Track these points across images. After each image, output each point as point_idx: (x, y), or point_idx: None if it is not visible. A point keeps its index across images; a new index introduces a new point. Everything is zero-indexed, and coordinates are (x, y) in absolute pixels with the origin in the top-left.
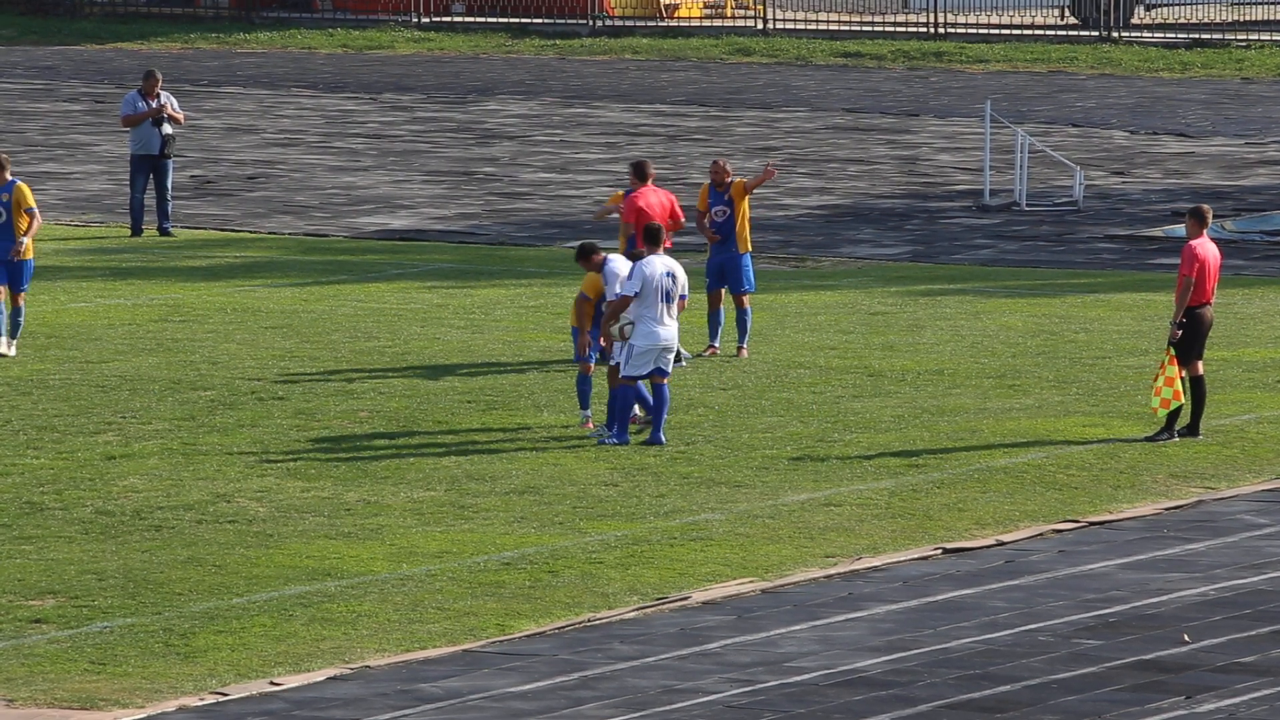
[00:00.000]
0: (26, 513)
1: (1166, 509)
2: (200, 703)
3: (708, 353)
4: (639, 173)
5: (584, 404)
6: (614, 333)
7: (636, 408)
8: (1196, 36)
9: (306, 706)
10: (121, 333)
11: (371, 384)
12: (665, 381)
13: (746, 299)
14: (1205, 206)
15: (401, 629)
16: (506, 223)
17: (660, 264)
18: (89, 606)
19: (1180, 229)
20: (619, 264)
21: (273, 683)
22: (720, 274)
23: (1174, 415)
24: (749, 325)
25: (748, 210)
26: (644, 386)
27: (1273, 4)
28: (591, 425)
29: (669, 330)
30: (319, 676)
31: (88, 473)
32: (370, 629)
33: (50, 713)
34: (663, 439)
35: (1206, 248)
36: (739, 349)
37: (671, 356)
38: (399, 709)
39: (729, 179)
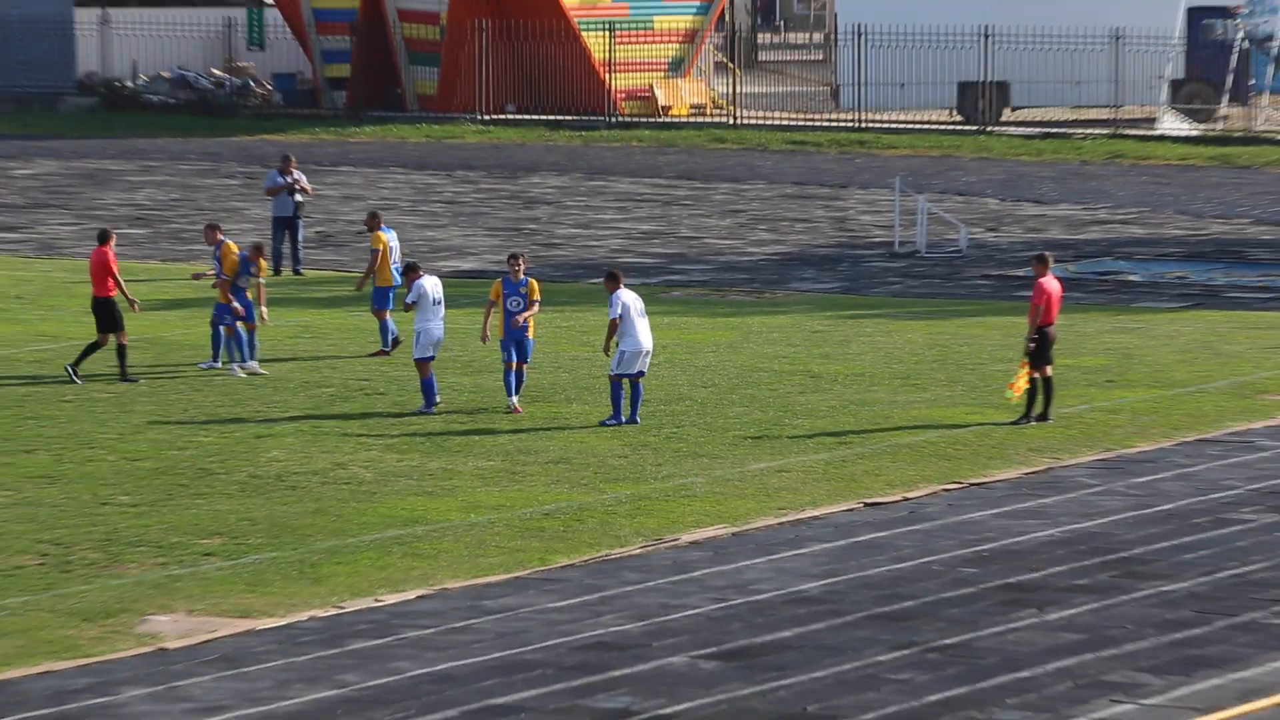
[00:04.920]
0: (199, 476)
1: (1025, 474)
2: (325, 613)
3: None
4: None
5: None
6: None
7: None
8: (1047, 130)
9: (401, 616)
10: (266, 346)
11: (448, 382)
12: (640, 380)
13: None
14: (1048, 253)
15: (469, 561)
16: (546, 265)
17: (630, 294)
18: (244, 544)
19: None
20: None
21: (377, 599)
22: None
23: (1030, 406)
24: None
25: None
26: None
27: (1101, 106)
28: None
29: (647, 342)
30: (410, 595)
31: (243, 447)
32: (447, 561)
33: (218, 620)
34: (638, 420)
35: (1051, 283)
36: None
37: (649, 360)
38: (468, 619)
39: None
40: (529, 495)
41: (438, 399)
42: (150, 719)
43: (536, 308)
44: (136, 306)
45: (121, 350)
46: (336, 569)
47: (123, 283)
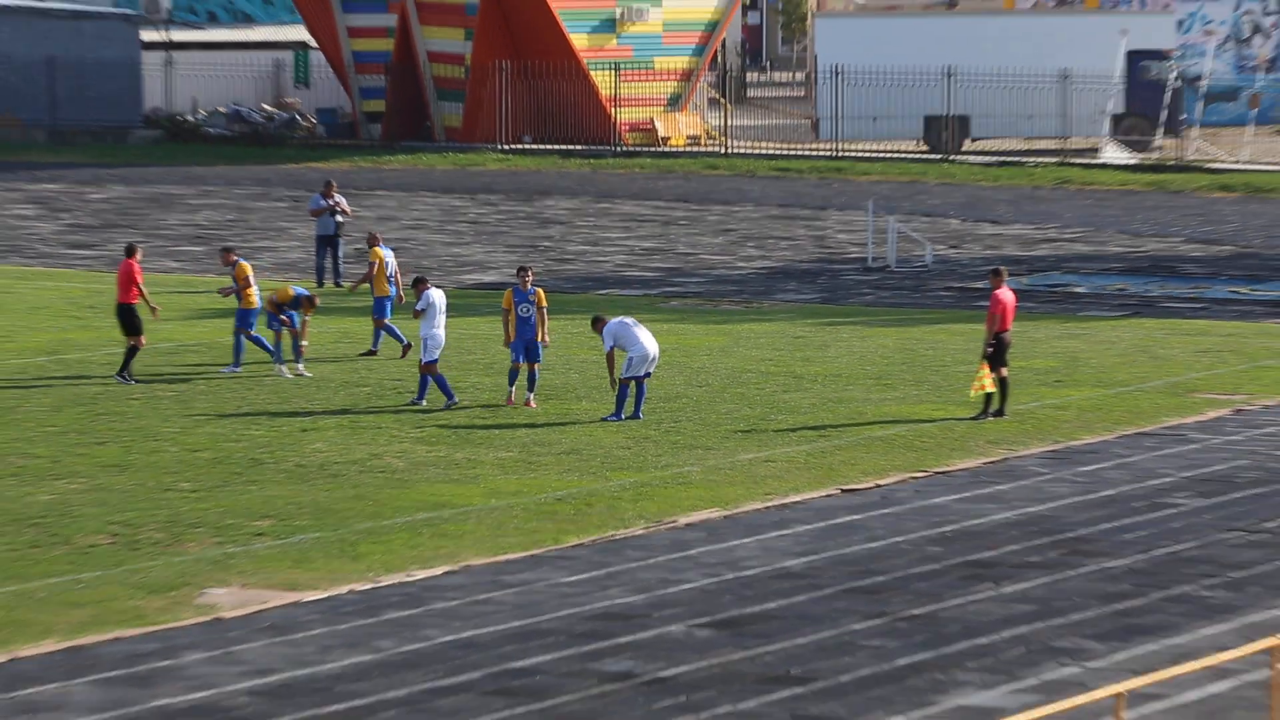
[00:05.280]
0: (251, 465)
1: (984, 463)
2: (362, 587)
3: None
4: None
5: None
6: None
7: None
8: (1003, 159)
9: (431, 589)
10: (310, 350)
11: (471, 382)
12: (645, 381)
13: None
14: (1003, 268)
15: (491, 540)
16: (559, 278)
17: (617, 320)
18: (291, 525)
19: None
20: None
21: (408, 574)
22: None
23: (988, 403)
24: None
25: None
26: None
27: (1051, 138)
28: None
29: (653, 348)
30: (438, 570)
31: (290, 439)
32: (470, 540)
33: (268, 592)
34: (641, 415)
35: (1006, 294)
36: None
37: (654, 365)
38: (490, 592)
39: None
40: (543, 482)
41: (424, 400)
42: (209, 680)
43: (546, 316)
44: (157, 313)
45: (132, 351)
46: (373, 547)
47: (145, 292)
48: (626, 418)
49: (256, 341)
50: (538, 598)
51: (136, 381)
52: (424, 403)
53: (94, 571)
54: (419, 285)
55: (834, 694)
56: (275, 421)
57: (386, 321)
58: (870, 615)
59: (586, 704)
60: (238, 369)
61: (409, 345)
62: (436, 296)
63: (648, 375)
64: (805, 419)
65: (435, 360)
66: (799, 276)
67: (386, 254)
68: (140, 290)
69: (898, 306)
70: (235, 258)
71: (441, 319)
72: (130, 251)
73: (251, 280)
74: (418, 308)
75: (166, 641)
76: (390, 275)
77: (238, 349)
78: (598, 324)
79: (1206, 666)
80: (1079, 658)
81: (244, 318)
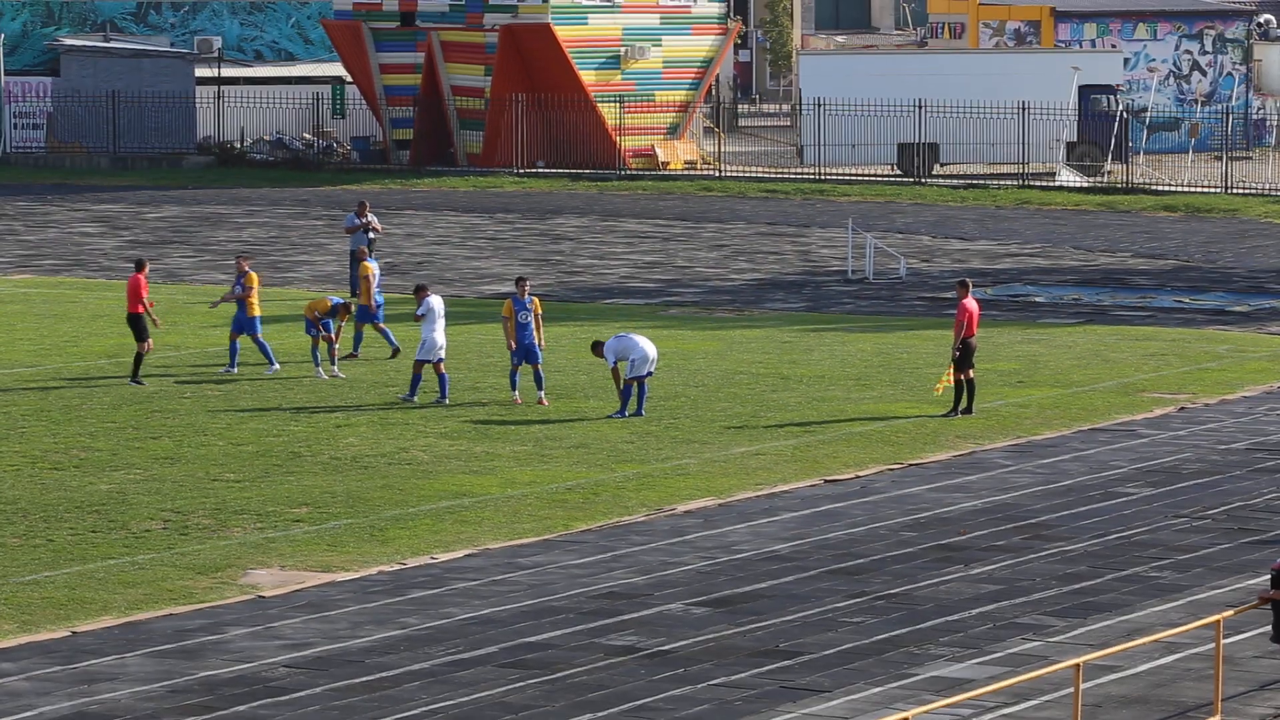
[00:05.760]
0: (290, 458)
1: (953, 456)
2: (390, 568)
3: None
4: None
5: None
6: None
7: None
8: (969, 181)
9: (452, 571)
10: (342, 354)
11: (490, 381)
12: (647, 381)
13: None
14: (968, 280)
15: (507, 527)
16: (569, 289)
17: (614, 338)
18: (326, 513)
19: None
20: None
21: (432, 557)
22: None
23: (957, 402)
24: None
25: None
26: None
27: (1011, 163)
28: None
29: (652, 351)
30: (459, 554)
31: (325, 434)
32: (488, 526)
33: (305, 573)
34: (643, 413)
35: (971, 304)
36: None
37: (654, 366)
38: (506, 573)
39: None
40: (555, 473)
41: (415, 396)
42: (252, 652)
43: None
44: (158, 324)
45: (139, 358)
46: (400, 533)
47: (149, 304)
48: (630, 415)
49: (259, 346)
50: (549, 578)
51: (142, 383)
52: (415, 399)
53: (148, 554)
54: (419, 292)
55: (819, 666)
56: (312, 418)
57: (382, 325)
58: (851, 594)
59: (594, 675)
60: (234, 370)
61: (398, 349)
62: (435, 302)
63: (649, 375)
64: (792, 416)
65: (428, 360)
66: (786, 287)
67: (374, 266)
68: (143, 302)
69: (875, 314)
70: (247, 266)
71: (440, 323)
72: (139, 266)
73: (255, 289)
74: (418, 313)
75: (213, 618)
76: (377, 288)
77: (233, 351)
78: (597, 348)
79: (1157, 640)
80: (1041, 633)
81: (245, 323)
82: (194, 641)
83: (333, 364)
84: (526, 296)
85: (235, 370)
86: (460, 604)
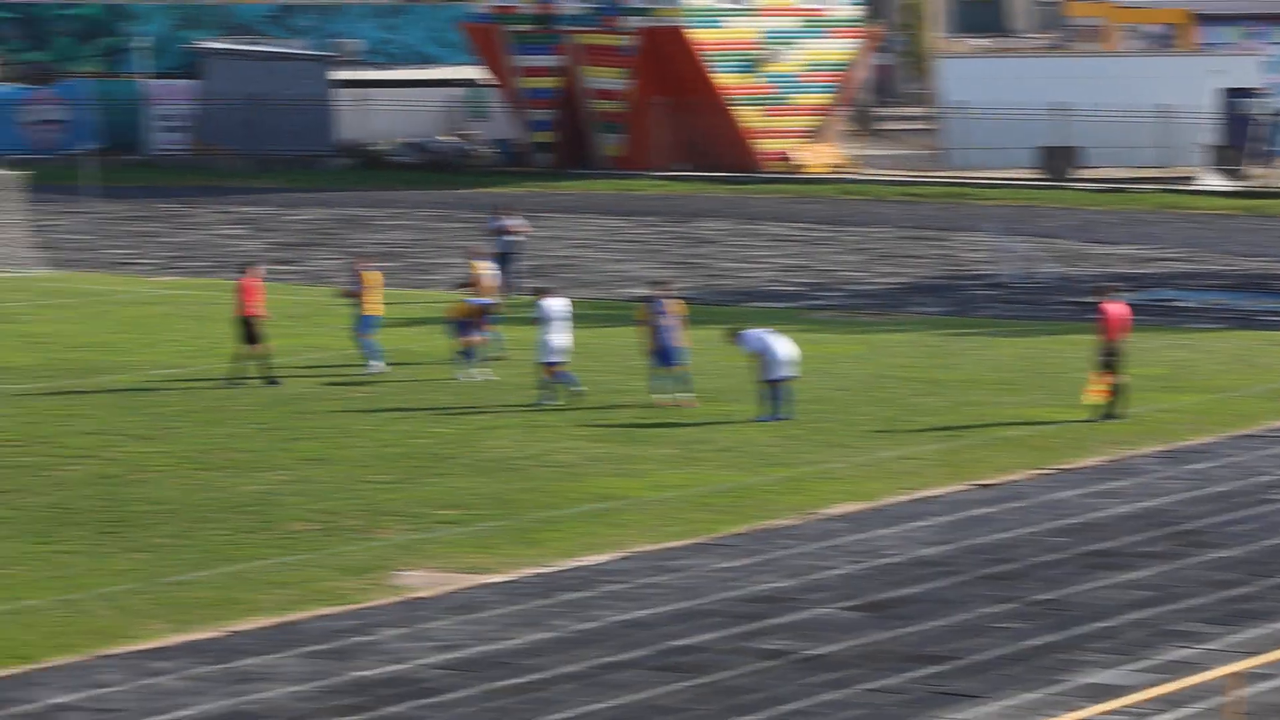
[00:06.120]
0: (437, 460)
1: (1103, 461)
2: (540, 571)
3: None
4: None
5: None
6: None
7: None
8: (1111, 185)
9: (602, 573)
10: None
11: (635, 384)
12: (787, 384)
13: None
14: (1113, 284)
15: (655, 530)
16: (710, 291)
17: (755, 331)
18: (475, 514)
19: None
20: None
21: (581, 560)
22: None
23: (1105, 406)
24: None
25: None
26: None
27: (1154, 167)
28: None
29: (790, 353)
30: (607, 557)
31: (472, 437)
32: (637, 529)
33: (455, 575)
34: (788, 417)
35: (1116, 308)
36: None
37: (793, 369)
38: (655, 576)
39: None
40: (703, 476)
41: (577, 386)
42: (403, 654)
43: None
44: (265, 318)
45: (264, 360)
46: (549, 535)
47: (260, 305)
48: (775, 419)
49: (366, 346)
50: (699, 581)
51: (238, 384)
52: (550, 403)
53: (298, 555)
54: (539, 294)
55: (970, 672)
56: (459, 420)
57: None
58: (1001, 600)
59: (745, 679)
60: (378, 366)
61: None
62: (555, 305)
63: (789, 378)
64: (938, 420)
65: (553, 363)
66: (929, 291)
67: (489, 267)
68: (254, 304)
69: (1019, 319)
70: (364, 266)
71: (560, 325)
72: (248, 268)
73: (372, 289)
74: (536, 316)
75: (364, 619)
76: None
77: (368, 350)
78: (734, 335)
79: None
80: (1194, 640)
81: (363, 322)
82: (345, 642)
83: (480, 365)
84: (666, 300)
85: (381, 368)
86: (610, 606)
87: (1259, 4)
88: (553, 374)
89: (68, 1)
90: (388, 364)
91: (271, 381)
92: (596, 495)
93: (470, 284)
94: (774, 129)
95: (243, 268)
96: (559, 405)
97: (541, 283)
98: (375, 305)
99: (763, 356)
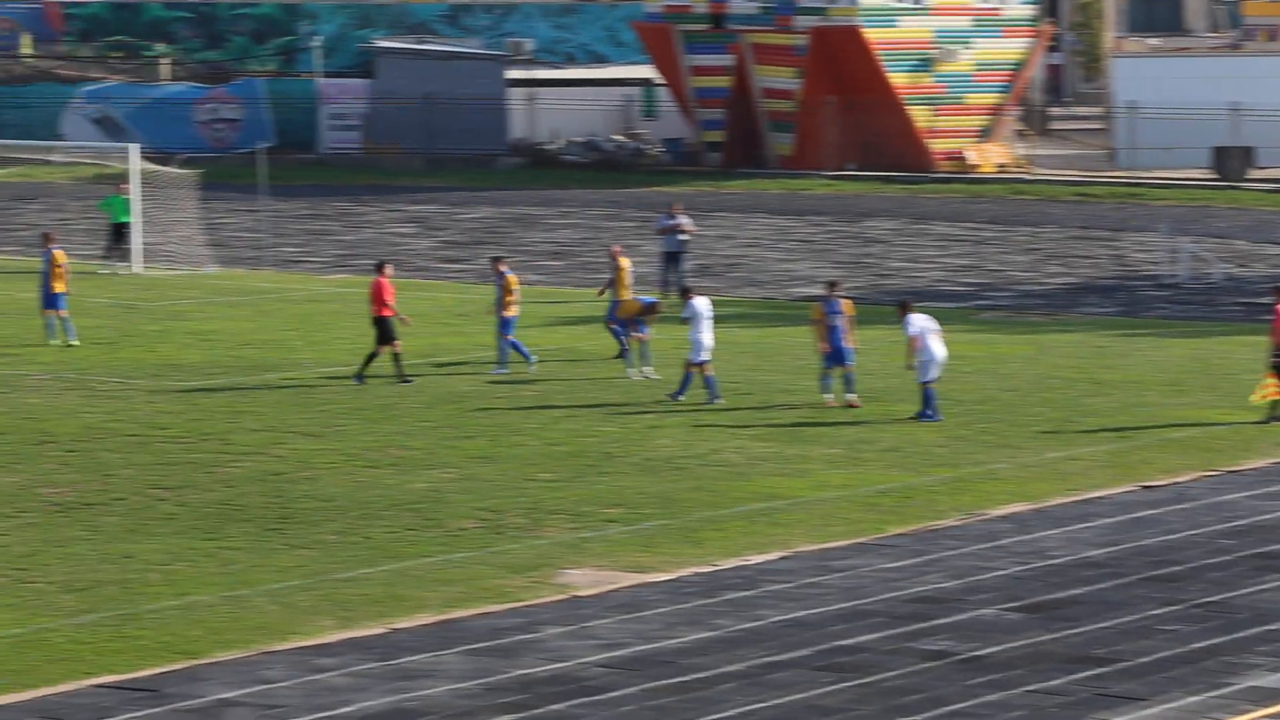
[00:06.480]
0: (603, 459)
1: (1272, 463)
2: (703, 570)
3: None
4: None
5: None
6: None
7: None
8: None
9: (765, 573)
10: (655, 355)
11: (803, 384)
12: (933, 386)
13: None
14: None
15: (819, 530)
16: (880, 290)
17: (922, 317)
18: (640, 513)
19: None
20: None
21: (744, 559)
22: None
23: (1276, 408)
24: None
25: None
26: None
27: None
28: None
29: (942, 354)
30: (771, 556)
31: (638, 436)
32: (801, 529)
33: (619, 574)
34: (939, 416)
35: None
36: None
37: (941, 372)
38: (818, 576)
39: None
40: (867, 476)
41: (683, 396)
42: (566, 652)
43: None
44: (408, 322)
45: (396, 357)
46: (713, 534)
47: (394, 305)
48: (924, 417)
49: (514, 346)
50: (862, 582)
51: (409, 381)
52: (682, 398)
53: (463, 552)
54: (685, 295)
55: (1134, 674)
56: (625, 419)
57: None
58: (1167, 602)
59: (908, 680)
60: (533, 363)
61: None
62: (701, 305)
63: (936, 380)
64: (1106, 421)
65: (701, 361)
66: (1099, 291)
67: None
68: (388, 304)
69: (1190, 320)
70: (503, 268)
71: (706, 324)
72: (380, 269)
73: (515, 291)
74: (683, 315)
75: (527, 617)
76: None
77: (516, 348)
78: (903, 309)
79: None
80: None
81: (505, 324)
82: (509, 640)
83: (645, 364)
84: (837, 299)
85: (535, 362)
86: (773, 606)
87: None
88: (703, 374)
89: (244, 1)
90: (536, 360)
91: (404, 379)
92: (761, 495)
93: (614, 283)
94: (945, 129)
95: (377, 267)
96: (719, 405)
97: (695, 282)
98: (513, 306)
99: (920, 355)
